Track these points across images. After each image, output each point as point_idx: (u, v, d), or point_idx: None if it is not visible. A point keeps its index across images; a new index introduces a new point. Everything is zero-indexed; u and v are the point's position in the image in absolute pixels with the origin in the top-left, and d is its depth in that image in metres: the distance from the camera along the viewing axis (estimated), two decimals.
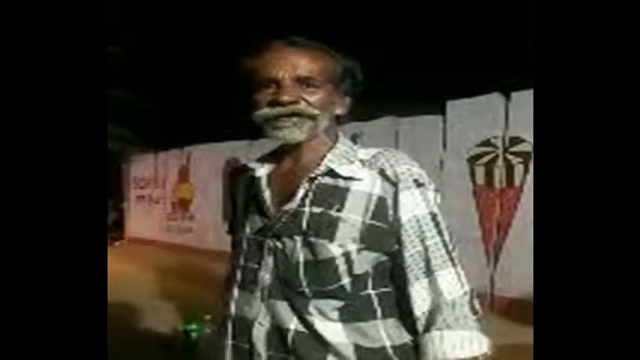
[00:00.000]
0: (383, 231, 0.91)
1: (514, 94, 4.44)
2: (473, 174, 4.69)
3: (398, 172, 0.91)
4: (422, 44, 7.58)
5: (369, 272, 0.93)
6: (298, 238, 0.91)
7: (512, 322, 3.72)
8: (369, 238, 0.90)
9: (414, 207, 0.91)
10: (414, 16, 7.96)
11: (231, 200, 1.11)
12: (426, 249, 0.91)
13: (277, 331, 0.91)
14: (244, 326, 0.95)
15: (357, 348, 0.90)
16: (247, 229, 1.00)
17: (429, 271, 0.91)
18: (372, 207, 0.90)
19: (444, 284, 0.90)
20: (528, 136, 4.26)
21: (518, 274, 4.19)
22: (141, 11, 8.92)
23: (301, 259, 0.90)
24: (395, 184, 0.91)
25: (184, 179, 8.43)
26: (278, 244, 0.93)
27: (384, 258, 0.93)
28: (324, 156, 0.95)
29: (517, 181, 4.40)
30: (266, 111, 0.92)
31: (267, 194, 0.97)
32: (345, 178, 0.92)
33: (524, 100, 4.26)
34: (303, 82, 0.92)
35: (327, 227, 0.89)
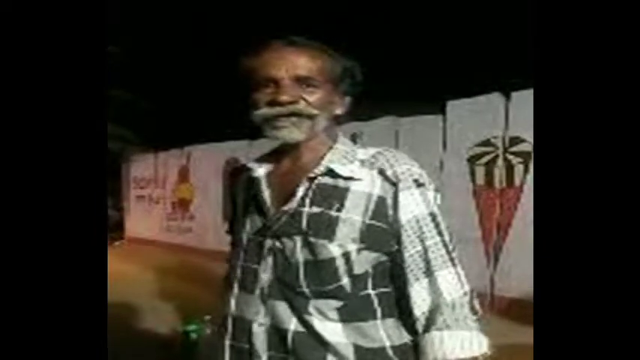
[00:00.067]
0: (383, 231, 0.91)
1: (514, 94, 4.43)
2: (473, 174, 4.69)
3: (398, 172, 0.91)
4: (422, 44, 7.58)
5: (368, 272, 0.92)
6: (298, 238, 0.91)
7: (512, 322, 3.72)
8: (369, 238, 0.90)
9: (414, 207, 0.91)
10: (414, 16, 7.96)
11: (231, 200, 1.11)
12: (425, 249, 0.91)
13: (277, 331, 0.91)
14: (244, 326, 0.95)
15: (357, 348, 0.90)
16: (247, 229, 0.99)
17: (428, 272, 0.91)
18: (371, 207, 0.90)
19: (443, 284, 0.90)
20: (528, 136, 4.25)
21: (518, 274, 4.18)
22: (141, 11, 8.92)
23: (301, 259, 0.90)
24: (395, 184, 0.91)
25: (184, 179, 8.43)
26: (277, 244, 0.93)
27: (384, 258, 0.93)
28: (324, 156, 0.95)
29: (517, 181, 4.39)
30: (265, 111, 0.92)
31: (266, 194, 0.97)
32: (345, 178, 0.92)
33: (524, 100, 4.25)
34: (303, 81, 0.92)
35: (326, 227, 0.89)
